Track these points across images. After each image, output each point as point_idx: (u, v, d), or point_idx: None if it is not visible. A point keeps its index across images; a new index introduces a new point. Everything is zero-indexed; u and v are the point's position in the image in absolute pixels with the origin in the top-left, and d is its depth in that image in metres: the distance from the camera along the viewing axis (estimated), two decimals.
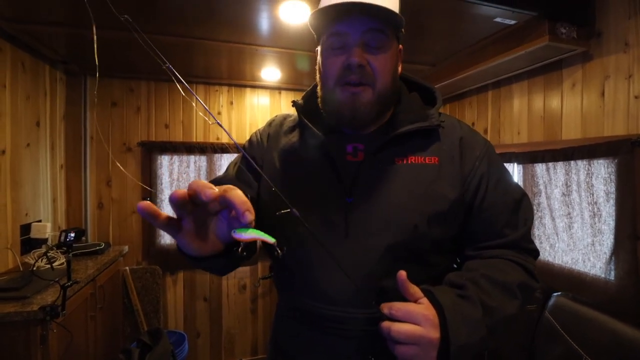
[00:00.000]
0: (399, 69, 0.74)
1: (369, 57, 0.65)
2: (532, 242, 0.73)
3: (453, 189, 0.68)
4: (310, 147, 0.72)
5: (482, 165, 0.70)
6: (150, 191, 2.49)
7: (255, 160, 0.79)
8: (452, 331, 0.54)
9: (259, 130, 0.86)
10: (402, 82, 0.79)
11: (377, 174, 0.68)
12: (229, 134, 0.45)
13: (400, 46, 0.73)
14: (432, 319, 0.54)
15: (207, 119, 2.58)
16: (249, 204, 0.42)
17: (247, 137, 0.87)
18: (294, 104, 0.78)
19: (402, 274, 0.57)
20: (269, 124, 0.86)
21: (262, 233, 0.44)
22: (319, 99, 0.74)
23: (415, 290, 0.57)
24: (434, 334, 0.53)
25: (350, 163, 0.69)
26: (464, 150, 0.71)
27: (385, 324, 0.54)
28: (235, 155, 2.57)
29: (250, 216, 0.41)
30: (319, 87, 0.74)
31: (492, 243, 0.69)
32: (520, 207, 0.71)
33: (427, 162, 0.68)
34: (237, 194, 0.42)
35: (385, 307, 0.55)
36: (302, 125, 0.75)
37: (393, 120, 0.73)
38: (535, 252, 0.73)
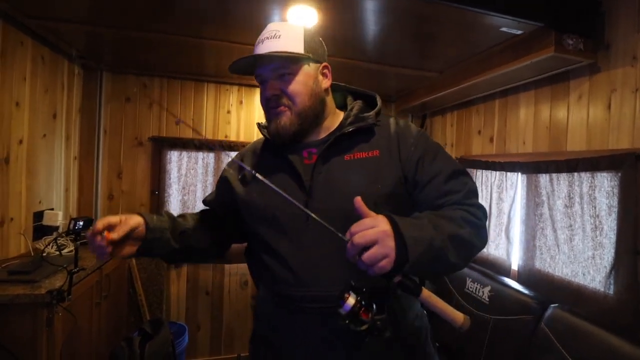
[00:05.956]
0: (325, 83, 0.89)
1: (282, 86, 0.83)
2: (476, 200, 0.84)
3: (392, 174, 0.83)
4: (276, 158, 0.89)
5: (418, 149, 0.85)
6: (158, 185, 2.56)
7: (233, 177, 0.99)
8: (402, 226, 0.65)
9: (238, 153, 1.07)
10: (349, 93, 0.97)
11: (329, 170, 0.84)
12: None
13: (324, 64, 0.89)
14: (381, 219, 0.65)
15: None
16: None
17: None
18: (258, 125, 0.97)
19: (358, 199, 0.67)
20: (244, 147, 1.07)
21: None
22: None
23: (367, 208, 0.68)
24: (386, 226, 0.64)
25: (307, 165, 0.86)
26: (400, 141, 0.86)
27: (348, 245, 0.63)
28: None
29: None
30: None
31: (439, 204, 0.82)
32: (458, 175, 0.84)
33: (370, 155, 0.84)
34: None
35: (347, 234, 0.65)
36: (267, 141, 0.94)
37: (340, 126, 0.89)
38: (482, 208, 0.83)
